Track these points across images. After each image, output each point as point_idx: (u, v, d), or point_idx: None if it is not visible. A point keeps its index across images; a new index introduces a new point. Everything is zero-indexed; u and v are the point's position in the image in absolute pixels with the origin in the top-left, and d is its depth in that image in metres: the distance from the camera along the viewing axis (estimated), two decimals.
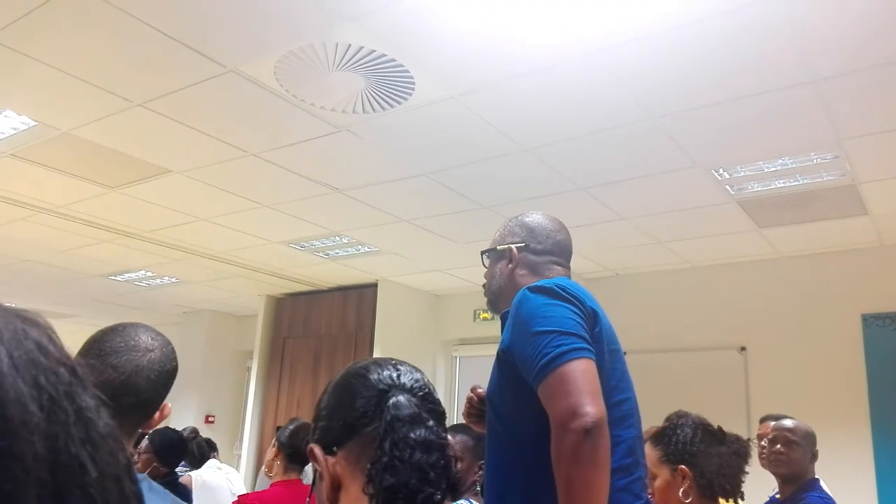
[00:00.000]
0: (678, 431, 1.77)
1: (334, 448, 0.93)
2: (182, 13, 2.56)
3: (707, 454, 1.71)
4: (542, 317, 1.45)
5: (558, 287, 1.52)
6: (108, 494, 0.31)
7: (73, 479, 0.30)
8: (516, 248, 1.78)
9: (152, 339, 1.37)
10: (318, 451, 0.94)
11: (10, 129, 3.52)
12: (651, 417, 3.87)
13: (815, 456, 2.75)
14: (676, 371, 5.43)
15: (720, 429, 1.79)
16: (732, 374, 5.25)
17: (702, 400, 4.42)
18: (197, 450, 4.44)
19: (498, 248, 1.84)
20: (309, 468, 2.83)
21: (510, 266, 1.78)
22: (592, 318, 1.50)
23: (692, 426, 1.77)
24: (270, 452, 2.95)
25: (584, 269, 5.78)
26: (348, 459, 0.93)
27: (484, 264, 1.89)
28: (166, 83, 3.04)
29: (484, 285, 1.87)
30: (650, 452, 1.78)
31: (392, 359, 1.03)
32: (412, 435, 0.93)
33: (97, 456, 0.31)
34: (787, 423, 2.78)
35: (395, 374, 0.99)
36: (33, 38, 2.73)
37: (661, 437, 1.79)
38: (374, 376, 0.98)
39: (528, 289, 1.54)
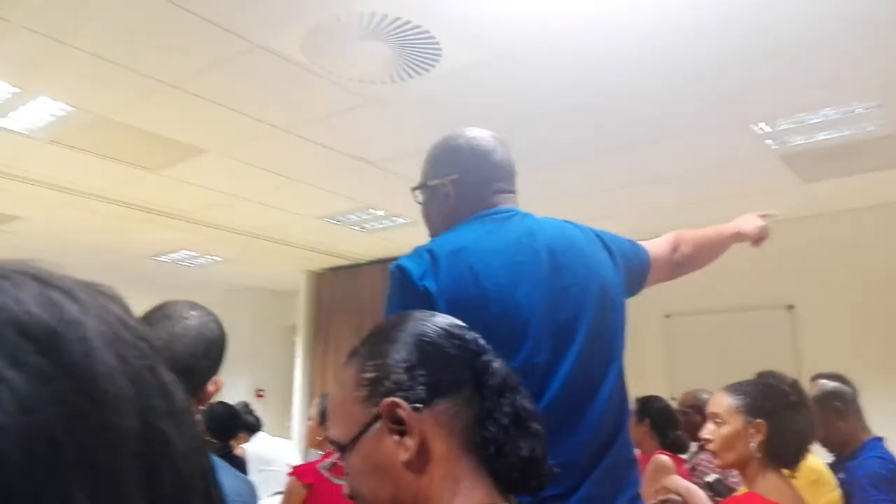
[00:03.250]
0: (758, 388, 1.75)
1: (419, 406, 0.85)
2: None
3: (790, 418, 1.69)
4: (384, 310, 1.37)
5: (399, 269, 1.36)
6: (193, 468, 0.32)
7: (163, 452, 0.30)
8: (451, 181, 1.51)
9: (190, 308, 1.40)
10: (406, 406, 0.84)
11: (48, 116, 3.60)
12: (697, 381, 3.83)
13: (839, 413, 2.61)
14: (721, 332, 5.34)
15: (803, 398, 1.77)
16: (780, 333, 5.15)
17: (749, 360, 4.32)
18: (247, 422, 4.56)
19: (429, 183, 1.55)
20: None
21: (448, 204, 1.51)
22: (423, 299, 1.30)
23: (772, 386, 1.75)
24: (318, 430, 2.96)
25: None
26: (438, 420, 0.85)
27: (417, 201, 1.61)
28: (196, 62, 3.07)
29: (426, 225, 1.62)
30: (725, 399, 1.76)
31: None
32: (526, 405, 0.88)
33: (181, 429, 0.31)
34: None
35: (476, 336, 0.93)
36: (64, 23, 2.77)
37: (740, 387, 1.77)
38: (458, 333, 0.91)
39: (389, 268, 1.41)
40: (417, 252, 1.38)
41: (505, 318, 1.32)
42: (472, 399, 0.87)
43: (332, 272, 7.44)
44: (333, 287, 7.43)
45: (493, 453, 0.85)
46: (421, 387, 0.86)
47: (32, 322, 0.28)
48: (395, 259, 1.42)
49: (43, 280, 0.31)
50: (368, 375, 0.88)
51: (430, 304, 1.29)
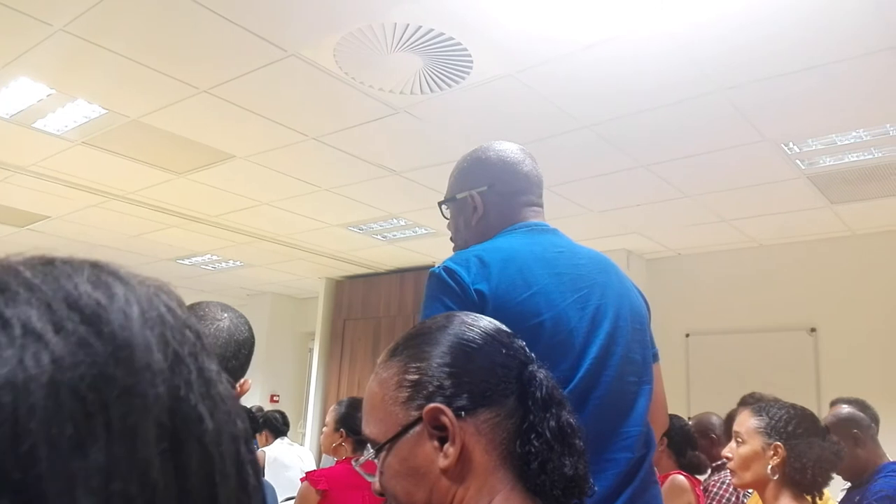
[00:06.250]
0: (782, 411, 1.74)
1: (462, 413, 0.83)
2: None
3: (809, 443, 1.68)
4: (422, 312, 1.31)
5: (447, 271, 1.31)
6: (224, 450, 0.33)
7: (190, 428, 0.32)
8: (479, 193, 1.50)
9: (222, 310, 1.41)
10: (449, 413, 0.83)
11: (81, 118, 3.65)
12: (715, 402, 3.80)
13: (857, 440, 2.48)
14: (743, 353, 5.29)
15: (826, 427, 1.76)
16: (802, 356, 5.09)
17: (770, 383, 4.29)
18: (273, 423, 4.61)
19: (458, 196, 1.54)
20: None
21: (476, 216, 1.50)
22: (474, 304, 1.26)
23: (799, 412, 1.75)
24: (333, 437, 2.95)
25: (645, 248, 5.66)
26: (480, 429, 0.84)
27: (444, 216, 1.60)
28: (230, 69, 3.10)
29: (451, 239, 1.60)
30: (748, 419, 1.76)
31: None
32: (571, 420, 0.86)
33: (215, 413, 0.33)
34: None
35: (523, 343, 0.90)
36: (102, 27, 2.81)
37: (765, 409, 1.76)
38: (506, 341, 0.89)
39: (431, 271, 1.36)
40: (463, 258, 1.35)
41: (554, 327, 1.30)
42: (516, 410, 0.85)
43: (351, 280, 7.47)
44: (352, 295, 7.46)
45: (535, 468, 0.83)
46: (465, 394, 0.84)
47: (80, 296, 0.32)
48: (414, 269, 1.41)
49: (99, 266, 0.35)
50: (411, 377, 0.86)
51: (480, 308, 1.25)
